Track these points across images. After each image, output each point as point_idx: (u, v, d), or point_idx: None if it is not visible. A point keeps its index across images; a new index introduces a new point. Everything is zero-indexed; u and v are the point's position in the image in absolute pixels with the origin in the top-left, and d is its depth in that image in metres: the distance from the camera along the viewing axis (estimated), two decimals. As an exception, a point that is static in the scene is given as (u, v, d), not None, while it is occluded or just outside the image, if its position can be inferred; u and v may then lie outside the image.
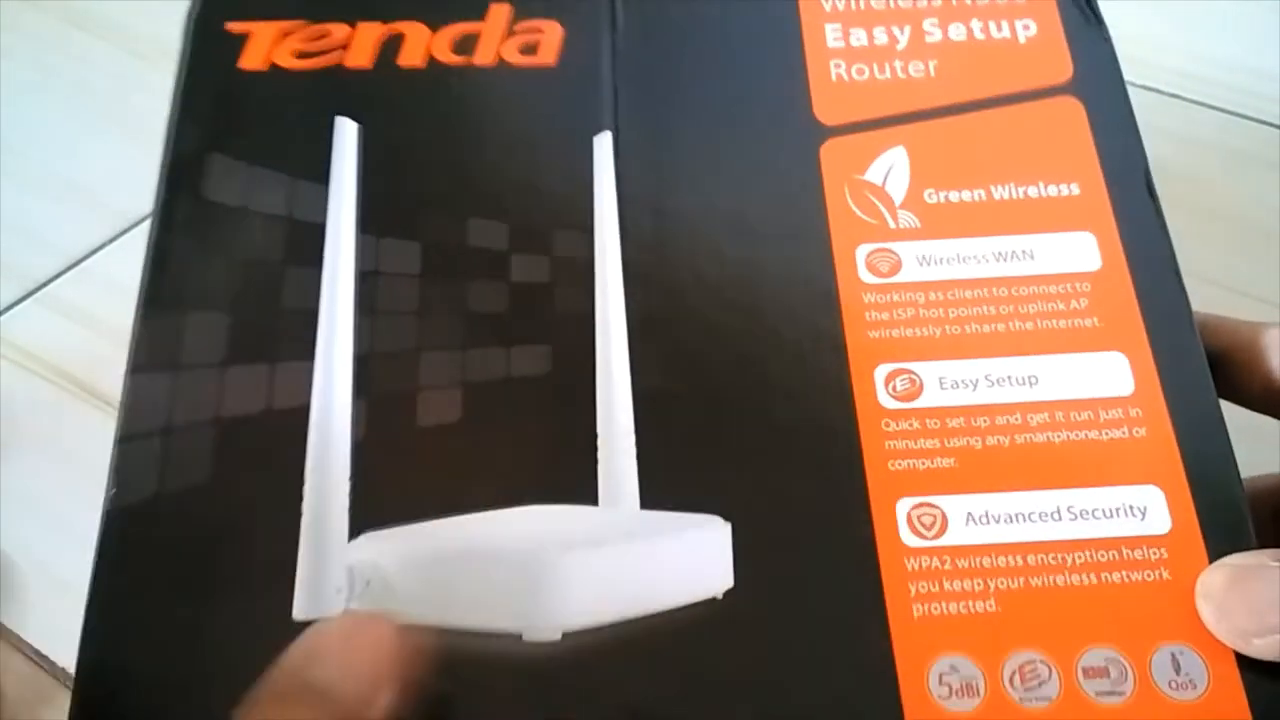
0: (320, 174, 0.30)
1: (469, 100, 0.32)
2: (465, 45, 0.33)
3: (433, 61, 0.33)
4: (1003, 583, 0.26)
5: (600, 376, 0.28)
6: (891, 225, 0.30)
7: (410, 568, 0.26)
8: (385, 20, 0.33)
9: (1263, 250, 0.44)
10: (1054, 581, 0.26)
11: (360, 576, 0.26)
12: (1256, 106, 0.50)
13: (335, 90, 0.32)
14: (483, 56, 0.33)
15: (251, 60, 0.32)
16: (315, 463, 0.27)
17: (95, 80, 0.54)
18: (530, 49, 0.33)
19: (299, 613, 0.26)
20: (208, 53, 0.33)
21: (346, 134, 0.30)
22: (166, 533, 0.26)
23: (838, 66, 0.32)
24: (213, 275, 0.29)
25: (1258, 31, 0.53)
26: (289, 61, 0.32)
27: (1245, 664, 0.25)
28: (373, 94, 0.32)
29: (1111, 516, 0.26)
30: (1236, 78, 0.51)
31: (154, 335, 0.29)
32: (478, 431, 0.28)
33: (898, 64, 0.32)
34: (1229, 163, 0.47)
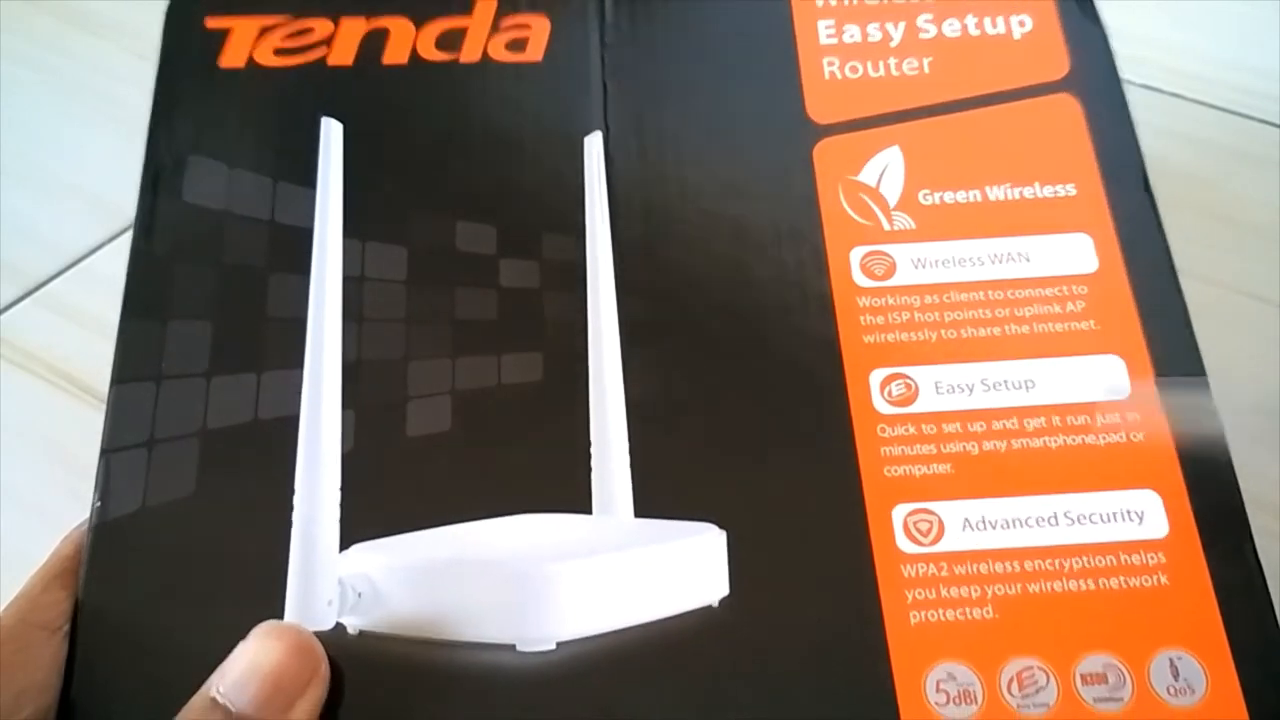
0: (302, 176, 0.30)
1: (454, 98, 0.31)
2: (450, 41, 0.32)
3: (416, 59, 0.32)
4: (1000, 589, 0.26)
5: (593, 383, 0.28)
6: (886, 227, 0.30)
7: (402, 579, 0.25)
8: (369, 15, 0.32)
9: (1263, 250, 0.44)
10: (1051, 588, 0.26)
11: (351, 589, 0.26)
12: (1256, 106, 0.50)
13: (317, 89, 0.31)
14: (468, 53, 0.32)
15: (231, 58, 0.32)
16: (305, 474, 0.26)
17: (95, 80, 0.54)
18: (517, 45, 0.32)
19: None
20: (186, 50, 0.32)
21: (332, 136, 0.30)
22: (153, 546, 0.26)
23: (831, 64, 0.32)
24: (195, 282, 0.29)
25: (1258, 31, 0.53)
26: (269, 59, 0.32)
27: (1244, 668, 0.25)
28: (355, 93, 0.31)
29: (1109, 521, 0.26)
30: (1236, 77, 0.51)
31: (136, 345, 0.28)
32: (469, 440, 0.27)
33: (892, 61, 0.32)
34: (1229, 162, 0.47)
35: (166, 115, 0.31)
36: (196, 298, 0.29)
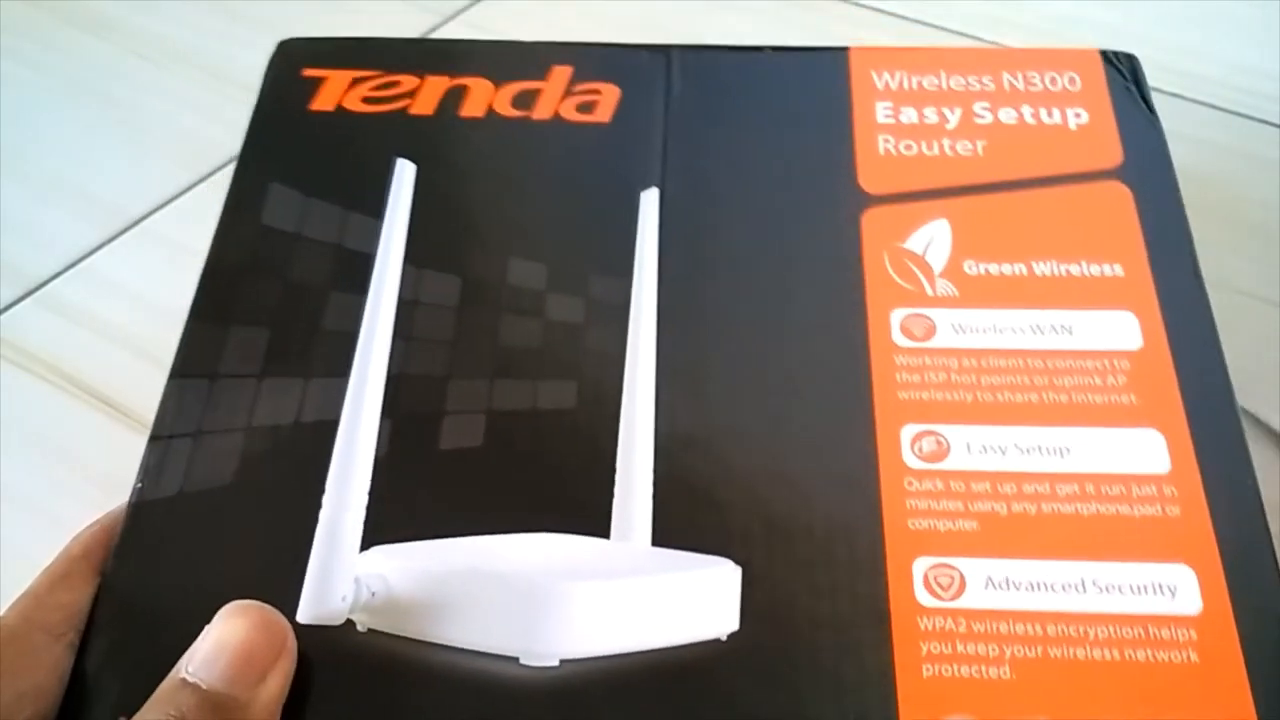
0: (373, 208, 0.31)
1: (522, 149, 0.33)
2: (525, 100, 0.34)
3: (492, 113, 0.34)
4: (1019, 650, 0.25)
5: (624, 414, 0.28)
6: (929, 292, 0.30)
7: (416, 583, 0.26)
8: (453, 75, 0.35)
9: (1262, 250, 0.42)
10: (1074, 654, 0.25)
11: (366, 587, 0.26)
12: (1256, 106, 0.49)
13: (396, 133, 0.33)
14: (541, 111, 0.34)
15: (322, 102, 0.34)
16: (337, 473, 0.27)
17: (95, 80, 0.54)
18: (587, 107, 0.34)
19: (303, 615, 0.26)
20: (281, 93, 0.34)
21: (405, 174, 0.32)
22: (186, 528, 0.27)
23: (886, 141, 0.33)
24: (260, 293, 0.30)
25: (1258, 31, 0.52)
26: (357, 105, 0.34)
27: (1273, 754, 0.23)
28: (431, 138, 0.33)
29: (1139, 593, 0.25)
30: (1236, 77, 0.50)
31: (197, 344, 0.29)
32: (498, 457, 0.28)
33: (946, 142, 0.33)
34: (1229, 162, 0.46)
35: (256, 146, 0.33)
36: (259, 307, 0.30)
